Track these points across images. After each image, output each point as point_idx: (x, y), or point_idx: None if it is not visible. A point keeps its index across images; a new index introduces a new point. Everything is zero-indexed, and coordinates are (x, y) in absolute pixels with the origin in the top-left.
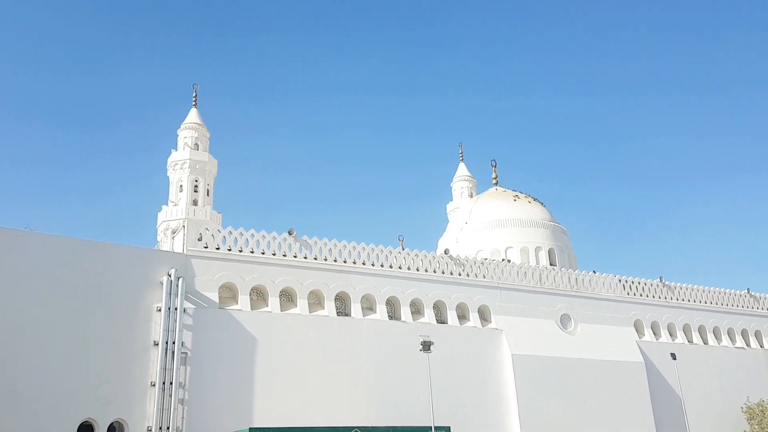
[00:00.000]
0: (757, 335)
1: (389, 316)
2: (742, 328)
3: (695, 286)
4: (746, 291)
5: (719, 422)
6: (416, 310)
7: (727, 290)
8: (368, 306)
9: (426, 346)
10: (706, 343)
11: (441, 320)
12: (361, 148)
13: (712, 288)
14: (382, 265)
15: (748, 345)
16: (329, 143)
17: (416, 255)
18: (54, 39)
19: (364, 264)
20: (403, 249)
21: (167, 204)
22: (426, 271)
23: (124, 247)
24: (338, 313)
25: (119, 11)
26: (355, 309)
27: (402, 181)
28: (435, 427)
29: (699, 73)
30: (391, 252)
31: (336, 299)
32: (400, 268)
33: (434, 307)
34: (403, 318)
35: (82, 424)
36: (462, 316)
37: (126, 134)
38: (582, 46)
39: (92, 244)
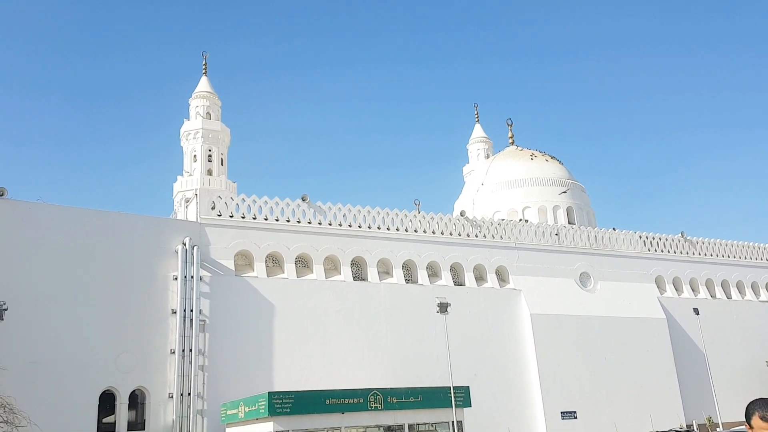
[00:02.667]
0: None
1: (406, 279)
2: (767, 281)
3: (717, 240)
4: None
5: (744, 377)
6: (433, 273)
7: (750, 243)
8: (385, 270)
9: (443, 307)
10: (729, 297)
11: (458, 282)
12: (376, 114)
13: (734, 241)
14: (397, 229)
15: None
16: (343, 109)
17: (432, 218)
18: (65, 15)
19: (379, 228)
20: (419, 213)
21: (182, 174)
22: (442, 234)
23: (138, 217)
24: (355, 278)
25: None
26: (372, 273)
27: (418, 145)
28: (454, 387)
29: (718, 27)
30: (406, 216)
31: (352, 264)
32: (416, 231)
33: (451, 270)
34: (420, 281)
35: (103, 392)
36: (479, 278)
37: (139, 105)
38: (596, 4)
39: (106, 214)
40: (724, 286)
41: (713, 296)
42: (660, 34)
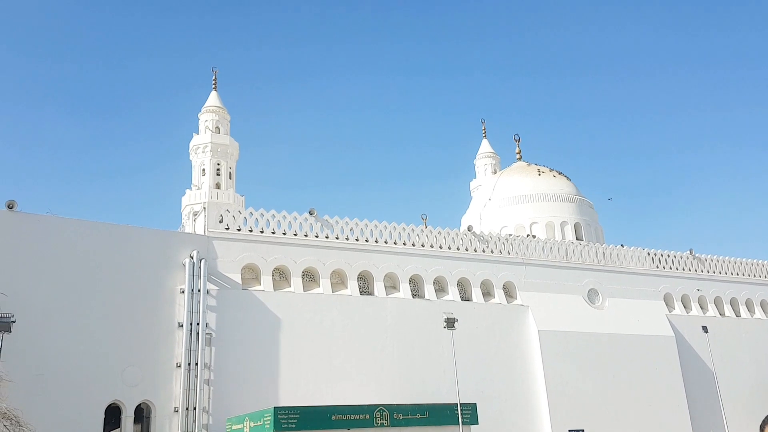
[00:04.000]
0: None
1: (413, 294)
2: None
3: (726, 258)
4: None
5: (753, 396)
6: (440, 288)
7: (760, 261)
8: (391, 284)
9: (450, 323)
10: (738, 315)
11: (465, 298)
12: (384, 128)
13: (743, 259)
14: (404, 243)
15: None
16: (351, 123)
17: (439, 232)
18: (75, 25)
19: (386, 242)
20: (426, 227)
21: (190, 188)
22: (449, 248)
23: (145, 230)
24: (361, 292)
25: None
26: (378, 288)
27: (425, 159)
28: (461, 404)
29: (727, 44)
30: (413, 230)
31: (359, 278)
32: (423, 246)
33: (458, 285)
34: (426, 296)
35: (109, 406)
36: (487, 293)
37: (149, 119)
38: (604, 18)
39: (114, 227)
40: (733, 304)
41: (722, 314)
42: (670, 50)
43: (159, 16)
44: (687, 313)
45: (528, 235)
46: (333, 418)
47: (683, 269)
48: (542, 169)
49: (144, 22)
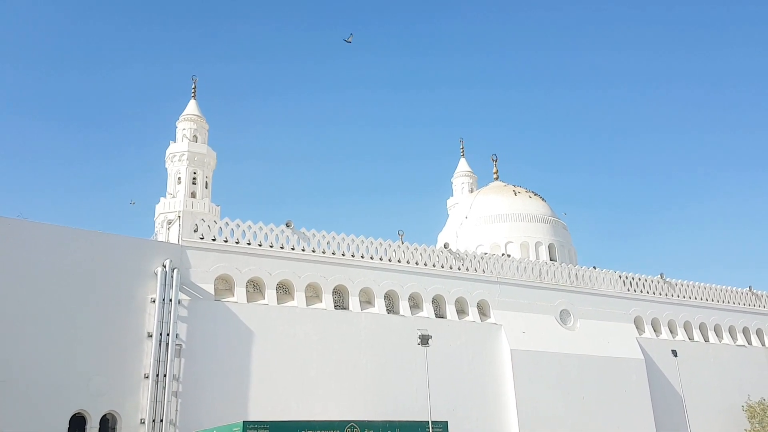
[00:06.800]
0: (759, 333)
1: (388, 310)
2: (744, 325)
3: (696, 283)
4: (748, 288)
5: (720, 420)
6: (415, 304)
7: (729, 287)
8: (366, 300)
9: (424, 340)
10: (707, 340)
11: (440, 315)
12: (362, 143)
13: (713, 285)
14: (381, 259)
15: (749, 343)
16: (329, 137)
17: (416, 249)
18: (51, 32)
19: (362, 257)
20: (402, 243)
21: (165, 196)
22: (425, 265)
23: (118, 237)
24: (336, 307)
25: (119, 1)
26: (354, 302)
27: (402, 176)
28: (433, 422)
29: (699, 67)
30: (390, 245)
31: (334, 292)
32: (399, 261)
33: (433, 302)
34: (401, 312)
35: (74, 415)
36: (461, 311)
37: (125, 126)
38: (581, 41)
39: (85, 233)
40: (702, 328)
41: (691, 339)
42: (649, 71)
43: (138, 26)
44: (657, 336)
45: (503, 254)
46: None
47: (654, 293)
48: (518, 189)
49: (122, 30)
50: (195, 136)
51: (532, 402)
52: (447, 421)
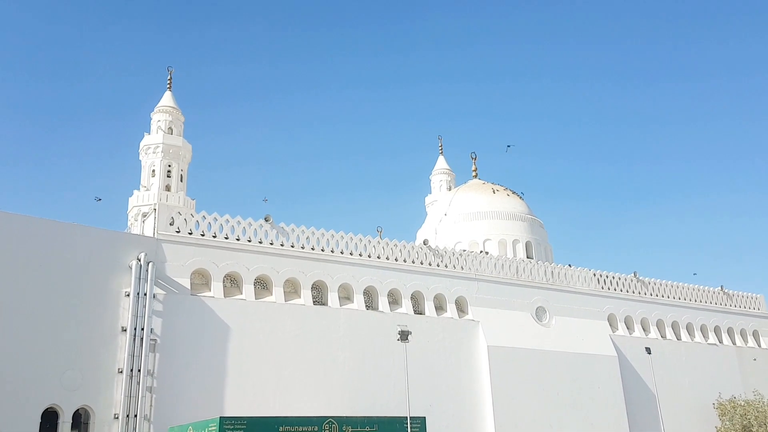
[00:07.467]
0: (730, 332)
1: (366, 305)
2: (715, 325)
3: (669, 282)
4: (720, 288)
5: (691, 418)
6: (394, 300)
7: (701, 287)
8: (345, 295)
9: (404, 335)
10: (679, 339)
11: (418, 311)
12: (341, 139)
13: (685, 284)
14: (360, 255)
15: (720, 342)
16: (308, 133)
17: (395, 245)
18: (24, 24)
19: (342, 253)
20: (381, 239)
21: (138, 189)
22: (404, 261)
23: (91, 229)
24: (315, 302)
25: None
26: (332, 298)
27: (381, 172)
28: (411, 418)
29: (674, 63)
30: (369, 241)
31: (312, 288)
32: (378, 257)
33: (412, 298)
34: (380, 308)
35: (46, 410)
36: (439, 307)
37: (98, 118)
38: (561, 37)
39: (58, 224)
40: (674, 327)
41: (663, 336)
42: (621, 67)
43: (116, 21)
44: (630, 334)
45: (481, 252)
46: (281, 429)
47: (627, 291)
48: (497, 187)
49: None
50: (170, 128)
51: (507, 398)
52: (425, 417)
